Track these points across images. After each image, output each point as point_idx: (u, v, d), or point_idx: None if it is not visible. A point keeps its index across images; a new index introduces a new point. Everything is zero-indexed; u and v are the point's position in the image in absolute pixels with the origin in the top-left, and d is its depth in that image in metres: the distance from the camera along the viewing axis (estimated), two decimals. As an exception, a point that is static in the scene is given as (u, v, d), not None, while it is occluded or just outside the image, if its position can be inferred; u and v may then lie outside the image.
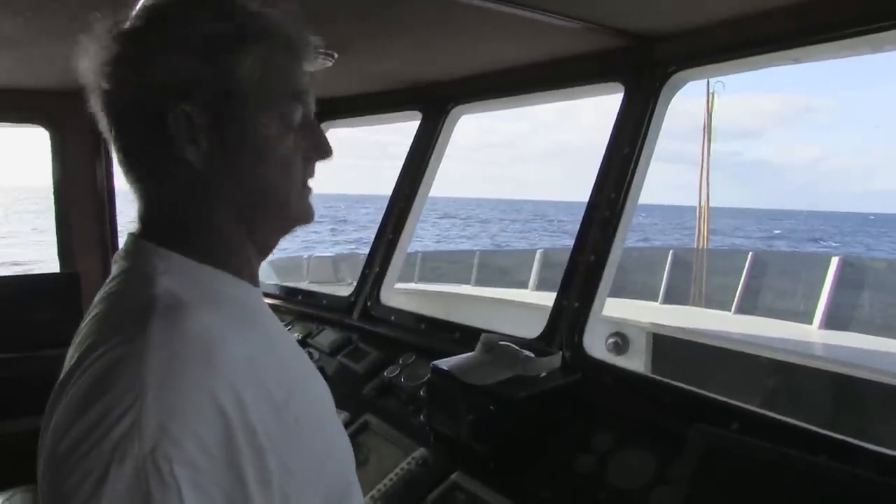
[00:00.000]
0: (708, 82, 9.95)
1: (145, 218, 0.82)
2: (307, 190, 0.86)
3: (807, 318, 5.05)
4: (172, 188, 0.79)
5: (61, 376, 0.73)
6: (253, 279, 0.86)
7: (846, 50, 1.75)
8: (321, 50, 2.23)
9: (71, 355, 0.75)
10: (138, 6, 0.79)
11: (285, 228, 0.87)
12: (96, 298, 0.82)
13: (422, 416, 2.00)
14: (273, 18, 0.80)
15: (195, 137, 0.76)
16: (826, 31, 1.68)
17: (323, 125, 3.39)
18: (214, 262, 0.80)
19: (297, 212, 0.85)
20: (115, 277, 0.81)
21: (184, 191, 0.79)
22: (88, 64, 0.78)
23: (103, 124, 0.81)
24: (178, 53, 0.75)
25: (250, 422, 0.67)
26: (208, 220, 0.80)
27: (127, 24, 0.77)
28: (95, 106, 0.80)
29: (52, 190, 3.16)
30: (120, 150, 0.81)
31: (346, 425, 2.18)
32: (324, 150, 0.86)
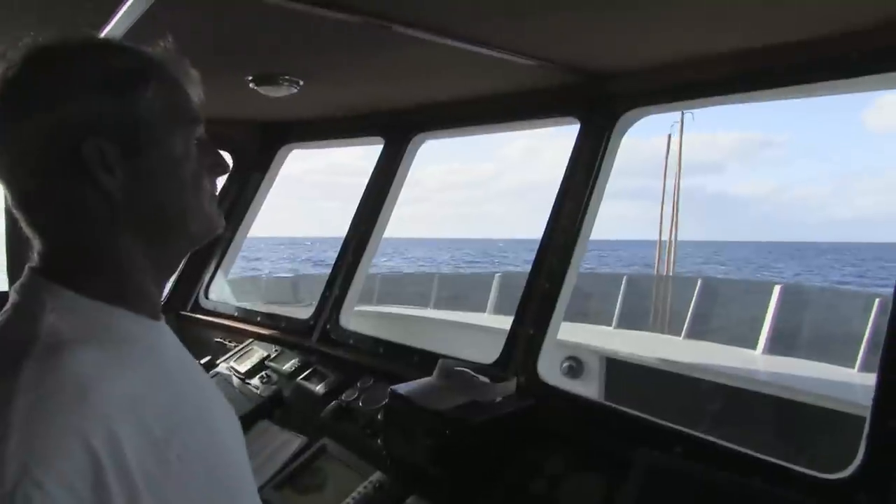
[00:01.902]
0: (682, 115, 10.29)
1: (45, 253, 0.83)
2: (215, 200, 0.92)
3: (751, 343, 5.25)
4: (82, 222, 0.81)
5: None
6: (154, 313, 0.88)
7: (783, 95, 1.88)
8: (287, 77, 2.29)
9: None
10: (35, 44, 0.81)
11: (197, 241, 0.91)
12: None
13: (379, 440, 2.02)
14: (160, 54, 0.86)
15: (110, 168, 0.78)
16: (765, 77, 1.81)
17: (285, 147, 3.44)
18: (112, 298, 0.82)
19: (209, 222, 0.90)
20: (5, 311, 0.81)
21: (95, 223, 0.81)
22: None
23: None
24: (86, 90, 0.78)
25: (125, 461, 0.68)
26: (112, 252, 0.82)
27: (24, 63, 0.79)
28: None
29: (3, 205, 3.10)
30: (19, 192, 0.81)
31: (303, 449, 2.18)
32: (223, 166, 0.92)
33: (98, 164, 0.78)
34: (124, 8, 1.50)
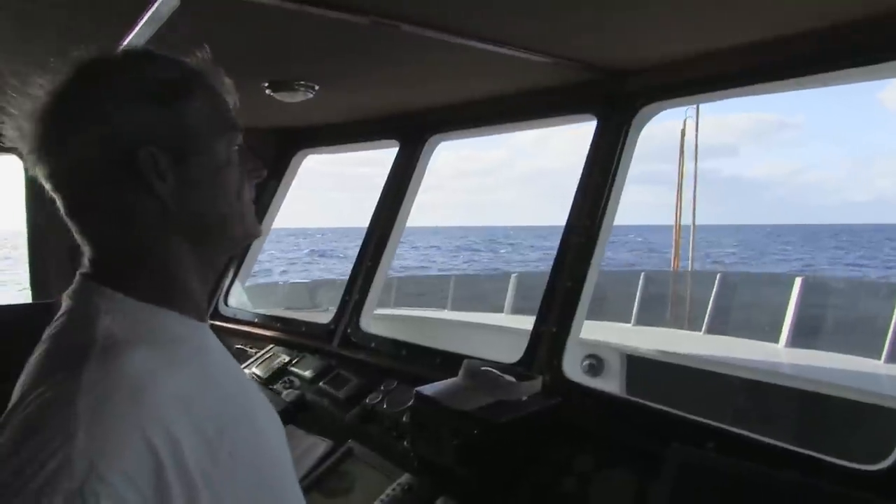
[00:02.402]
0: (697, 108, 10.21)
1: (96, 259, 0.86)
2: (252, 206, 0.95)
3: (774, 336, 5.19)
4: (134, 226, 0.83)
5: (6, 413, 0.75)
6: (200, 314, 0.90)
7: (800, 86, 1.86)
8: (302, 83, 2.31)
9: (15, 392, 0.78)
10: (81, 61, 0.84)
11: (237, 245, 0.95)
12: (43, 336, 0.85)
13: (406, 442, 2.02)
14: (199, 64, 0.89)
15: (162, 174, 0.82)
16: (781, 68, 1.79)
17: (301, 152, 3.45)
18: (160, 300, 0.84)
19: (250, 227, 0.94)
20: (60, 316, 0.84)
21: (146, 227, 0.83)
22: (23, 124, 0.82)
23: (49, 178, 0.83)
24: (137, 101, 0.81)
25: (182, 458, 0.71)
26: (161, 256, 0.85)
27: (75, 77, 0.82)
28: (37, 166, 0.83)
29: (25, 219, 3.14)
30: (72, 199, 0.84)
31: (330, 453, 2.19)
32: (260, 171, 0.95)
33: (152, 171, 0.81)
34: (144, 19, 1.52)
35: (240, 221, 0.91)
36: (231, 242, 0.93)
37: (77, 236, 0.86)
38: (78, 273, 0.86)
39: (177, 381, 0.76)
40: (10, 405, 0.75)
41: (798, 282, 5.46)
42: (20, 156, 2.82)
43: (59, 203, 0.85)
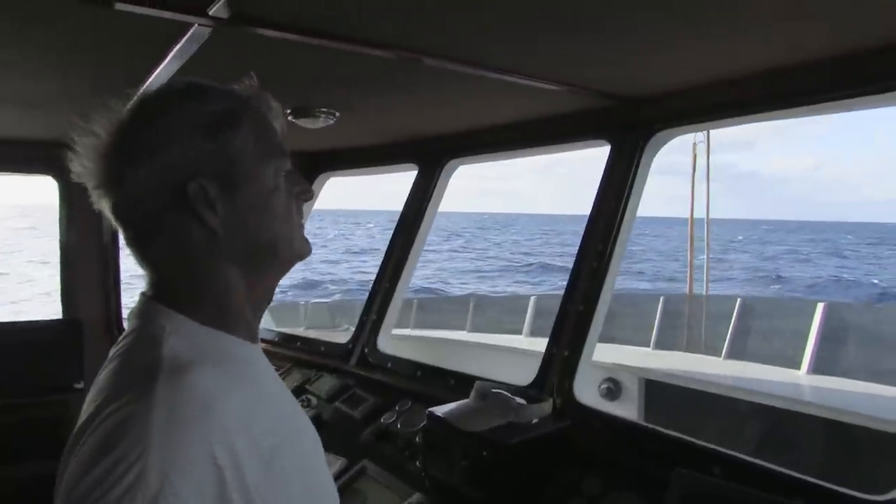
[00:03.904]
0: (707, 134, 10.14)
1: (156, 282, 0.91)
2: (302, 227, 0.99)
3: (795, 363, 5.12)
4: (189, 253, 0.88)
5: (77, 427, 0.80)
6: (252, 336, 0.95)
7: (813, 112, 1.87)
8: (324, 110, 2.38)
9: (86, 407, 0.83)
10: (135, 96, 0.91)
11: (288, 267, 0.98)
12: (111, 353, 0.91)
13: (418, 462, 2.05)
14: (246, 92, 0.94)
15: (212, 204, 0.86)
16: (796, 95, 1.80)
17: (323, 175, 3.53)
18: (217, 323, 0.89)
19: (300, 248, 0.97)
20: (127, 335, 0.90)
21: (200, 254, 0.88)
22: (87, 162, 0.87)
23: (113, 211, 0.89)
24: (186, 135, 0.87)
25: (242, 472, 0.75)
26: (216, 281, 0.90)
27: (130, 114, 0.88)
28: (101, 200, 0.89)
29: (58, 240, 3.26)
30: (135, 230, 0.89)
31: (344, 471, 2.22)
32: (308, 193, 0.99)
33: (202, 202, 0.86)
34: (173, 52, 1.60)
35: (288, 244, 0.95)
36: (281, 265, 0.97)
37: (138, 263, 0.92)
38: (140, 294, 0.92)
39: (237, 399, 0.81)
40: (80, 421, 0.81)
41: (820, 308, 5.39)
42: (55, 177, 2.92)
43: (121, 233, 0.91)
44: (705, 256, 10.95)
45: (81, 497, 0.69)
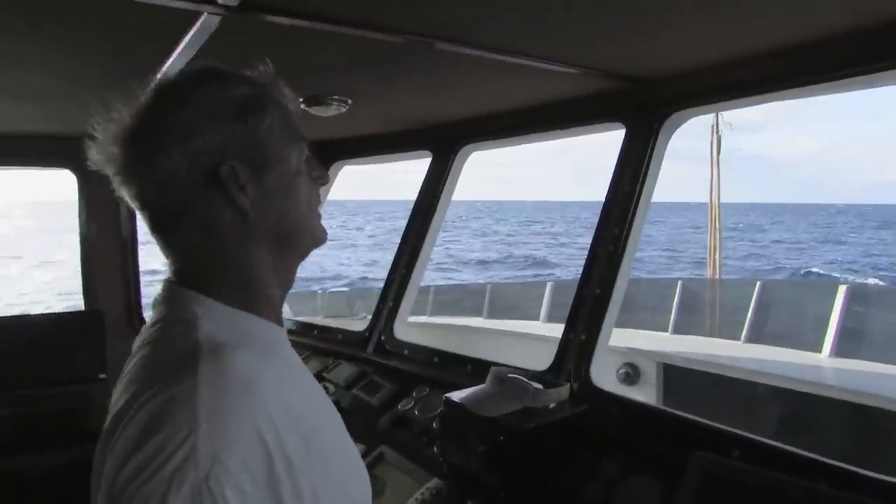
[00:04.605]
0: (716, 116, 9.99)
1: (181, 267, 0.91)
2: (319, 214, 1.00)
3: (816, 346, 5.05)
4: (217, 236, 0.89)
5: (111, 417, 0.81)
6: (279, 320, 0.96)
7: (834, 89, 1.83)
8: (336, 97, 2.38)
9: (118, 398, 0.83)
10: (155, 82, 0.91)
11: (307, 251, 0.98)
12: (137, 342, 0.91)
13: (435, 448, 2.05)
14: (264, 78, 0.95)
15: (243, 186, 0.87)
16: (813, 73, 1.77)
17: (337, 164, 3.54)
18: (244, 305, 0.89)
19: (317, 234, 0.98)
20: (155, 323, 0.90)
21: (228, 237, 0.89)
22: (107, 147, 0.87)
23: (136, 198, 0.89)
24: (216, 119, 0.87)
25: (286, 451, 0.75)
26: (243, 264, 0.90)
27: (152, 99, 0.88)
28: (123, 187, 0.89)
29: (78, 230, 3.31)
30: (160, 215, 0.89)
31: (362, 457, 2.23)
32: (325, 177, 1.00)
33: (234, 185, 0.87)
34: (185, 41, 1.60)
35: (309, 229, 0.96)
36: (304, 248, 0.98)
37: (162, 250, 0.92)
38: (165, 281, 0.92)
39: (275, 380, 0.81)
40: (112, 411, 0.81)
41: (842, 290, 5.31)
42: (73, 170, 2.95)
43: (144, 220, 0.91)
44: (710, 241, 10.79)
45: (129, 479, 0.69)
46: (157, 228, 0.90)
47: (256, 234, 0.90)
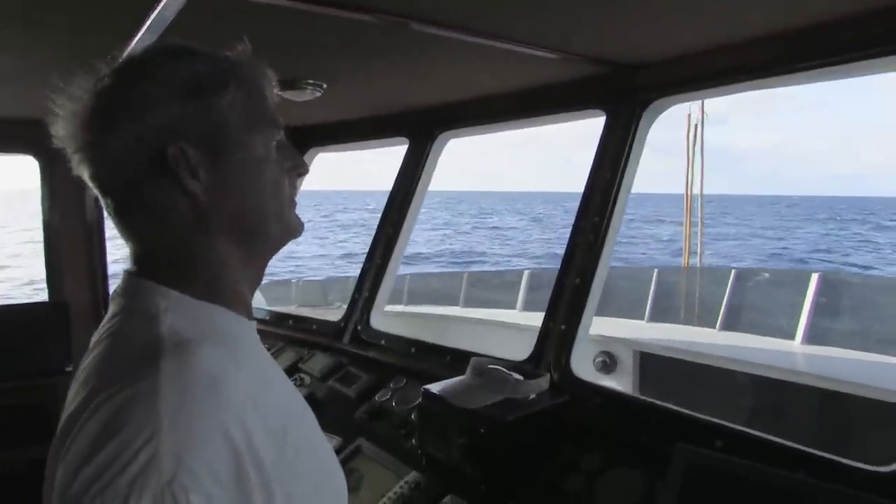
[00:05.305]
0: (702, 104, 10.06)
1: (142, 256, 0.85)
2: (294, 204, 0.93)
3: (789, 333, 5.14)
4: (173, 224, 0.83)
5: (64, 418, 0.75)
6: (248, 313, 0.90)
7: (812, 79, 1.82)
8: (310, 81, 2.31)
9: (73, 396, 0.77)
10: (120, 59, 0.85)
11: (279, 244, 0.93)
12: (95, 337, 0.85)
13: (414, 440, 2.02)
14: (238, 57, 0.88)
15: (194, 171, 0.81)
16: (796, 61, 1.75)
17: (311, 150, 3.46)
18: (211, 297, 0.84)
19: (290, 226, 0.92)
20: (114, 316, 0.84)
21: (185, 225, 0.83)
22: (67, 125, 0.82)
23: (93, 179, 0.84)
24: (168, 97, 0.81)
25: (256, 452, 0.71)
26: (207, 253, 0.84)
27: (111, 76, 0.82)
28: (80, 166, 0.83)
29: (41, 219, 3.18)
30: (115, 199, 0.84)
31: (339, 450, 2.19)
32: (302, 167, 0.94)
33: (183, 168, 0.80)
34: (150, 19, 1.53)
35: (277, 220, 0.89)
36: (271, 242, 0.91)
37: (122, 235, 0.86)
38: (125, 272, 0.86)
39: (243, 376, 0.76)
40: (67, 411, 0.75)
41: (814, 278, 5.40)
42: (35, 155, 2.83)
43: (103, 203, 0.85)
44: (687, 229, 10.93)
45: (84, 487, 0.63)
46: (114, 212, 0.85)
47: (215, 223, 0.84)
